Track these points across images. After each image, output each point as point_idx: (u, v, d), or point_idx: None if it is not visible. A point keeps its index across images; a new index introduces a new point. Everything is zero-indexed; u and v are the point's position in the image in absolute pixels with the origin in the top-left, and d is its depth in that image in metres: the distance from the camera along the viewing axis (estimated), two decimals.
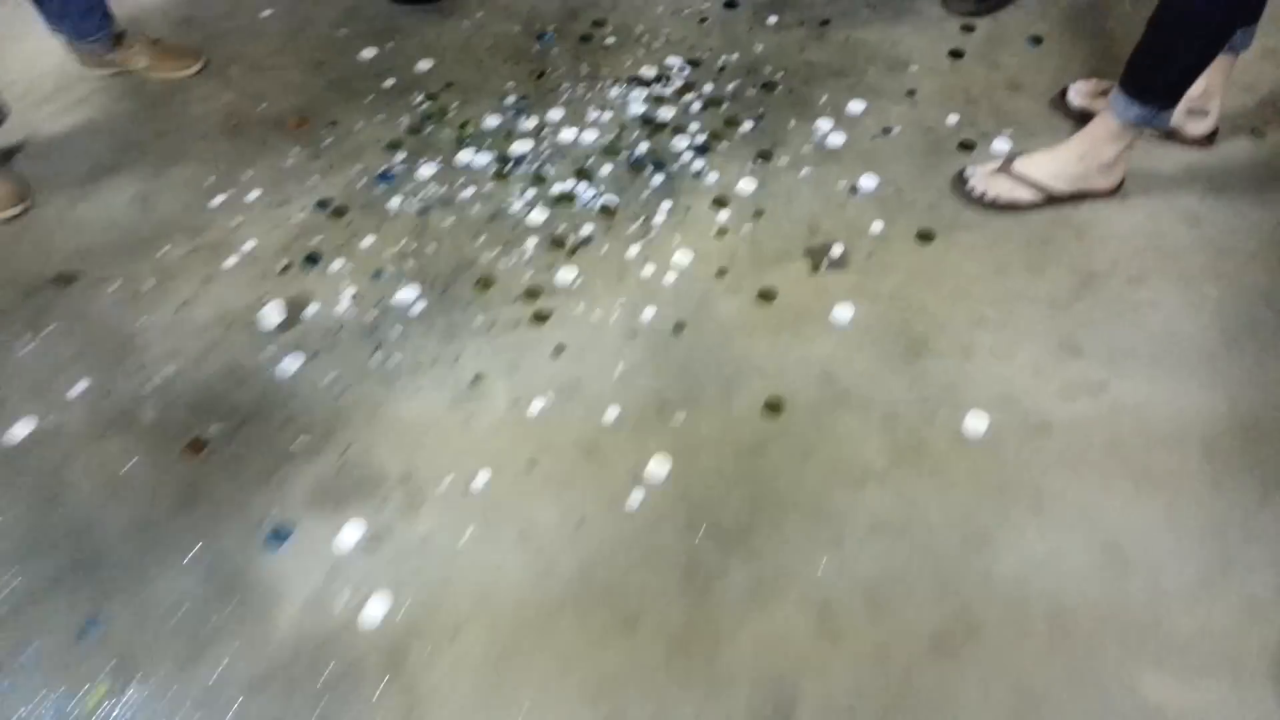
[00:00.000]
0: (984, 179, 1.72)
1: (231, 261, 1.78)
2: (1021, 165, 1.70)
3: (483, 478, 1.46)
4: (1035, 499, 1.37)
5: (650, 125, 1.94)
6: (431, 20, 2.21)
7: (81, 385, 1.60)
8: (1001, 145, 1.83)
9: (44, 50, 2.20)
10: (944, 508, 1.37)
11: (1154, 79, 1.51)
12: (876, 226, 1.72)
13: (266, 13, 2.27)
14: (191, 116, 2.05)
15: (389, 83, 2.08)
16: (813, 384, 1.52)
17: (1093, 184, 1.67)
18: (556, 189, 1.84)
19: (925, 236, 1.70)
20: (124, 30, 2.11)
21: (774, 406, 1.50)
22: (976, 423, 1.45)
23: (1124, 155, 1.64)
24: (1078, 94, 1.85)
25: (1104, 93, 1.82)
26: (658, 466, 1.45)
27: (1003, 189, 1.70)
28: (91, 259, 1.79)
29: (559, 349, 1.61)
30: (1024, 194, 1.69)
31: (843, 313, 1.61)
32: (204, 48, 2.19)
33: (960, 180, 1.74)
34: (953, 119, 1.89)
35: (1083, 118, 1.81)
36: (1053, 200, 1.69)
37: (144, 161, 1.96)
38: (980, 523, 1.35)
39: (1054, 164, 1.67)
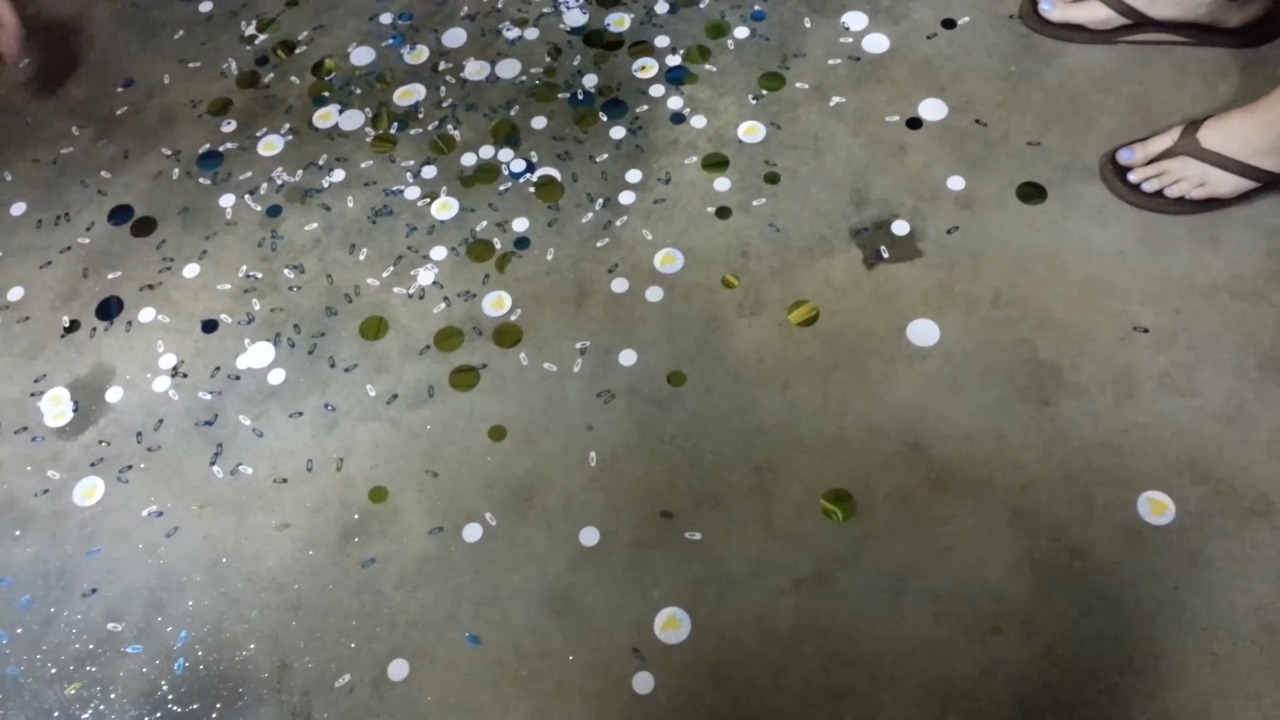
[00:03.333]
0: (1157, 166, 1.14)
1: None
2: (1211, 136, 1.12)
3: (400, 669, 0.97)
4: (1261, 642, 0.90)
5: (597, 43, 1.36)
6: None
7: None
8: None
9: None
10: (1123, 653, 0.90)
11: None
12: (955, 183, 1.19)
13: None
14: None
15: (204, 7, 1.48)
16: (894, 460, 1.03)
17: None
18: (468, 160, 1.28)
19: (1032, 194, 1.18)
20: None
21: (838, 505, 1.01)
22: (1156, 508, 0.97)
23: None
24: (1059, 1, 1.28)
25: None
26: (669, 628, 0.97)
27: (1190, 178, 1.12)
28: None
29: (496, 432, 1.09)
30: (1224, 183, 1.12)
31: (923, 332, 1.10)
32: None
33: (1115, 169, 1.17)
34: None
35: (1071, 32, 1.27)
36: (1276, 185, 1.13)
37: None
38: (1157, 670, 0.89)
39: (1265, 131, 1.08)
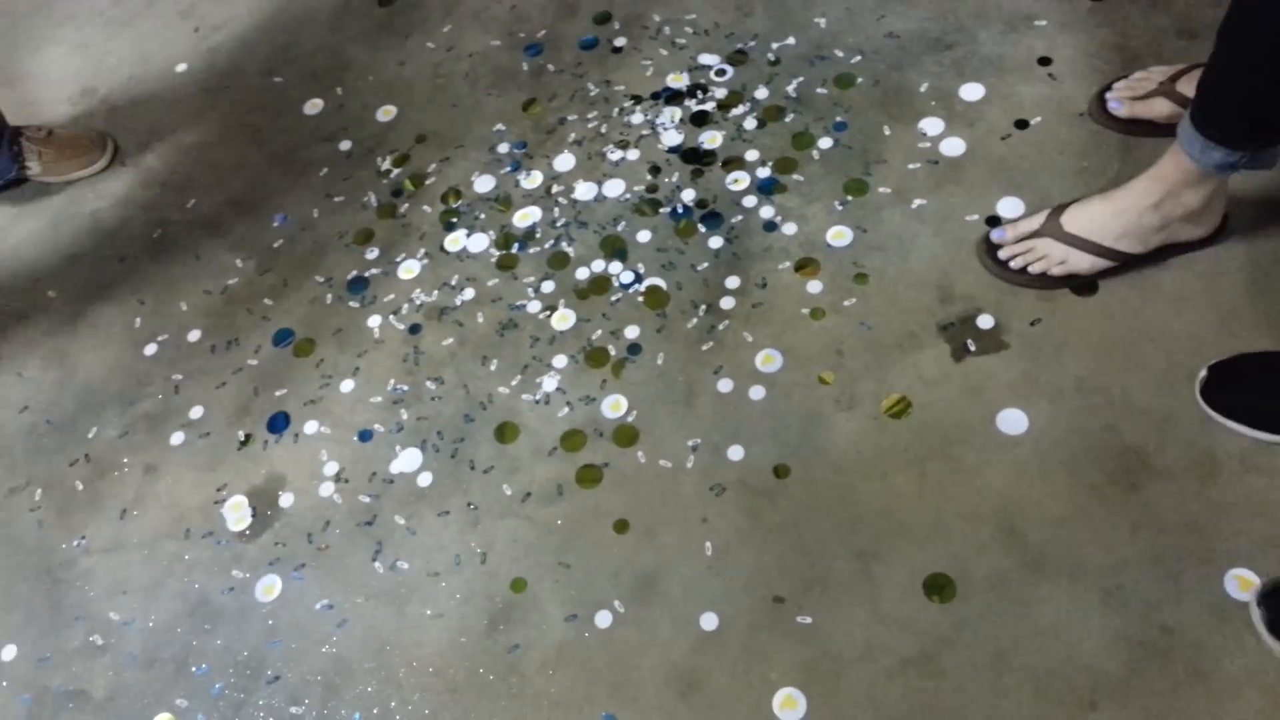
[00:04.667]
0: (1024, 245, 1.26)
1: (178, 439, 1.41)
2: (1072, 220, 1.23)
3: None
4: None
5: (693, 160, 1.49)
6: (385, 48, 1.77)
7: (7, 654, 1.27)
8: None
9: None
10: None
11: (1238, 115, 1.05)
12: None
13: (181, 67, 1.85)
14: (104, 231, 1.67)
15: (344, 145, 1.67)
16: (990, 545, 1.11)
17: (1178, 235, 1.21)
18: (581, 274, 1.43)
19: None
20: (17, 127, 1.71)
21: (939, 589, 1.10)
22: (1243, 585, 1.03)
23: (1218, 194, 1.18)
24: (1126, 98, 1.35)
25: (1165, 90, 1.32)
26: (786, 708, 1.06)
27: (1052, 257, 1.24)
28: None
29: (620, 525, 1.21)
30: (1082, 262, 1.23)
31: (1012, 421, 1.18)
32: (108, 128, 1.79)
33: (987, 249, 1.29)
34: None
35: (1146, 127, 1.34)
36: (1129, 264, 1.23)
37: (52, 307, 1.59)
38: None
39: (1118, 218, 1.20)
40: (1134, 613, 1.04)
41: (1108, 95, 1.36)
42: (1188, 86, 1.30)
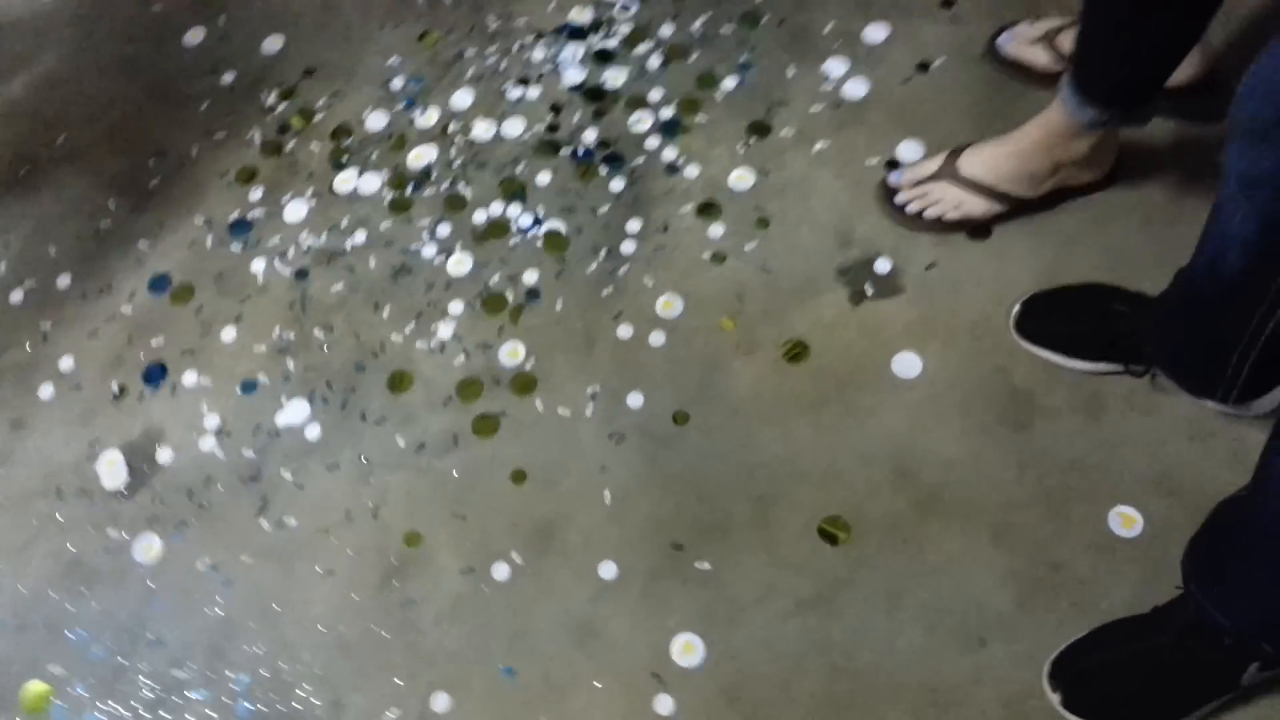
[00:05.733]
0: (919, 189, 1.27)
1: (47, 392, 1.33)
2: (969, 164, 1.24)
3: (442, 701, 1.07)
4: None
5: (596, 99, 1.45)
6: None
7: None
8: None
9: None
10: None
11: (1106, 76, 1.09)
12: None
13: None
14: None
15: (227, 78, 1.58)
16: (884, 487, 1.12)
17: (1069, 180, 1.23)
18: (479, 217, 1.38)
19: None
20: None
21: (833, 531, 1.11)
22: (1126, 521, 1.06)
23: (1108, 140, 1.20)
24: (1016, 39, 1.36)
25: (1048, 40, 1.33)
26: (685, 653, 1.06)
27: (947, 201, 1.25)
28: None
29: (518, 476, 1.19)
30: (976, 206, 1.24)
31: (907, 365, 1.19)
32: None
33: (885, 191, 1.30)
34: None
35: (1023, 72, 1.36)
36: (1022, 208, 1.25)
37: None
38: None
39: (1010, 162, 1.21)
40: (1023, 550, 1.07)
41: (999, 38, 1.37)
42: (1068, 41, 1.30)
